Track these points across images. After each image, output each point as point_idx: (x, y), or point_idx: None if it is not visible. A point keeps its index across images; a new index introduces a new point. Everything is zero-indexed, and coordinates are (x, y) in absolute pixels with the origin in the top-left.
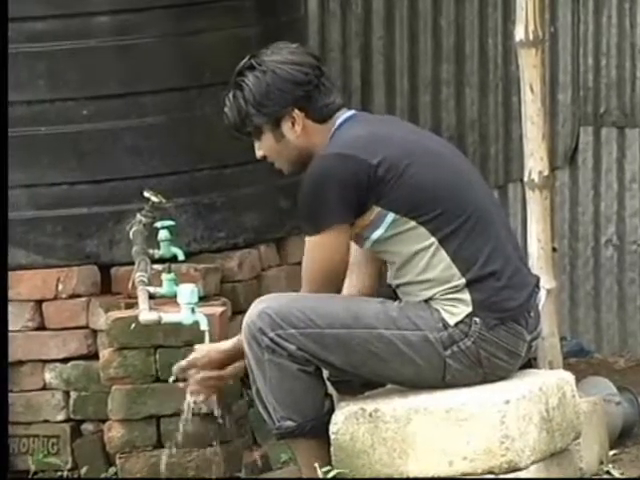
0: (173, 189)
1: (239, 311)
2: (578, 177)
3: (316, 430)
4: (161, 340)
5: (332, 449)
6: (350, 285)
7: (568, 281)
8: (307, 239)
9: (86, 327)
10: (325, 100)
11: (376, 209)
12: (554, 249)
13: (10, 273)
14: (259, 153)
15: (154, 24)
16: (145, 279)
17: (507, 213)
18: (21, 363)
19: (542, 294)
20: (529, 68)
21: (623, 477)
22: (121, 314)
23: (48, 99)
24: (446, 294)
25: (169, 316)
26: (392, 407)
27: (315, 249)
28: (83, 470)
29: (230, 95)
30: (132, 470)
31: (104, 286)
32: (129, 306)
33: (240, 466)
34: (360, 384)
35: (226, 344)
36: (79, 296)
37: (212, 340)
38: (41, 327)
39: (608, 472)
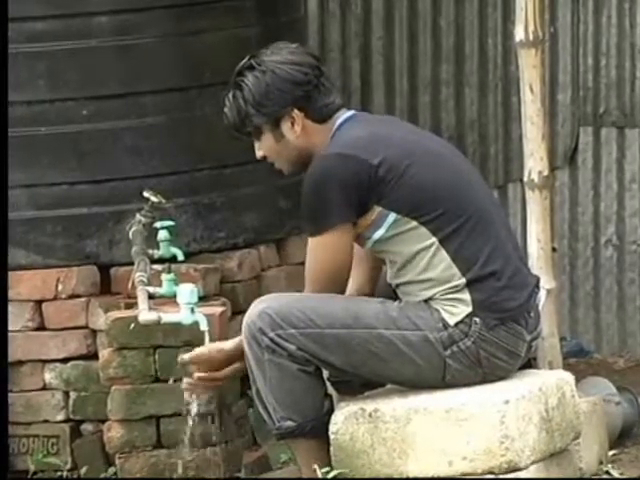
0: (173, 189)
1: (239, 311)
2: (578, 177)
3: (316, 430)
4: (161, 340)
5: (332, 449)
6: (349, 285)
7: (568, 281)
8: (310, 239)
9: (86, 327)
10: (325, 100)
11: (377, 209)
12: (554, 249)
13: (10, 273)
14: (259, 153)
15: (154, 24)
16: (145, 279)
17: (507, 213)
18: (21, 363)
19: (542, 294)
20: (529, 68)
21: (623, 477)
22: (121, 314)
23: (48, 99)
24: (446, 294)
25: (169, 316)
26: (392, 407)
27: (318, 249)
28: (83, 470)
29: (230, 95)
30: (132, 470)
31: (104, 286)
32: (129, 306)
33: (240, 466)
34: (360, 384)
35: (227, 344)
36: (79, 296)
37: (212, 340)
38: (41, 327)
39: (607, 472)
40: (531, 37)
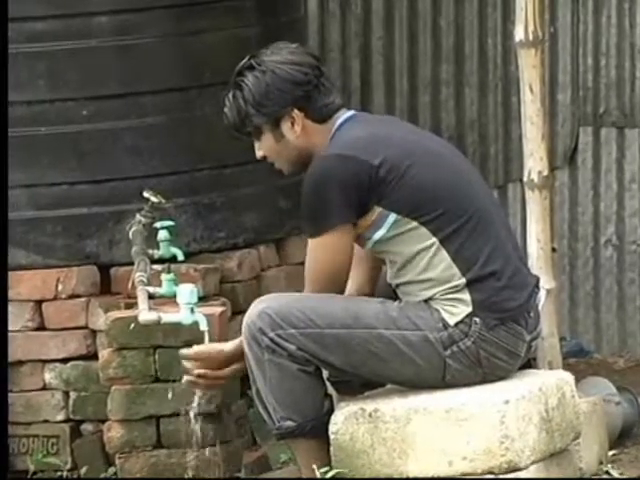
0: (173, 189)
1: (239, 311)
2: (577, 177)
3: (316, 430)
4: (160, 340)
5: (332, 449)
6: (349, 285)
7: (568, 281)
8: (310, 240)
9: (86, 327)
10: (325, 100)
11: (377, 209)
12: (554, 249)
13: (10, 273)
14: (259, 153)
15: (154, 24)
16: (145, 279)
17: (507, 213)
18: (21, 363)
19: (542, 294)
20: (529, 68)
21: (622, 477)
22: (120, 314)
23: (48, 99)
24: (446, 294)
25: (168, 316)
26: (392, 407)
27: (318, 250)
28: (83, 470)
29: (230, 95)
30: (132, 470)
31: (104, 286)
32: (129, 306)
33: (240, 466)
34: (360, 384)
35: (227, 346)
36: (79, 296)
37: (212, 340)
38: (41, 327)
39: (607, 472)
40: (531, 37)
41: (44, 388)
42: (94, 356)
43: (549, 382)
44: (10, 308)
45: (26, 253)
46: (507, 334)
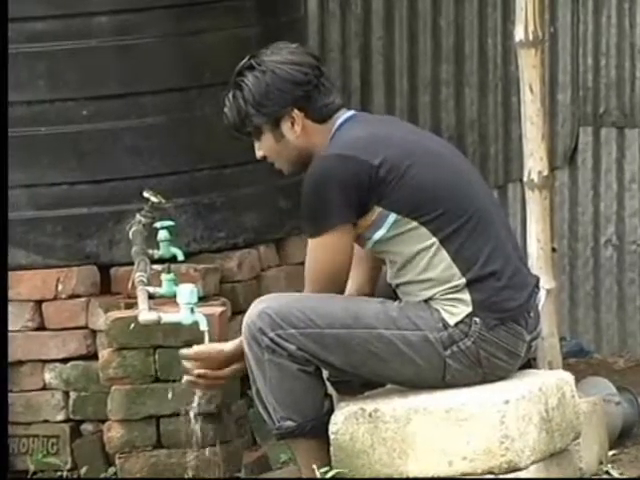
0: (173, 189)
1: (239, 311)
2: (577, 177)
3: (316, 430)
4: (160, 340)
5: (332, 449)
6: (349, 285)
7: (568, 281)
8: (310, 240)
9: (85, 327)
10: (325, 100)
11: (377, 210)
12: (554, 249)
13: (10, 273)
14: (259, 153)
15: (154, 24)
16: (145, 279)
17: (507, 213)
18: (21, 363)
19: (542, 294)
20: (529, 68)
21: (622, 477)
22: (120, 314)
23: (48, 99)
24: (446, 294)
25: (168, 316)
26: (392, 407)
27: (318, 250)
28: (83, 470)
29: (230, 95)
30: (132, 470)
31: (104, 286)
32: (129, 306)
33: (240, 466)
34: (360, 384)
35: (227, 346)
36: (79, 296)
37: (212, 340)
38: (41, 327)
39: (607, 472)
40: (531, 37)
41: (44, 388)
42: (94, 356)
43: (549, 382)
44: (10, 308)
45: (26, 253)
46: (507, 334)
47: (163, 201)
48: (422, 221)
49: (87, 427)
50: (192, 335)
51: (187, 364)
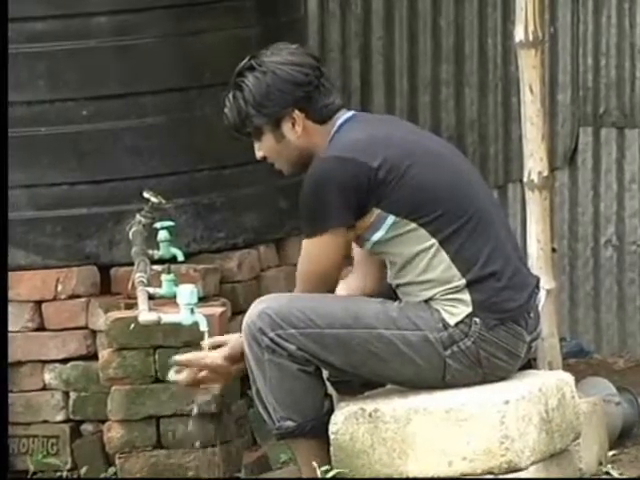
0: (173, 189)
1: (238, 311)
2: (577, 178)
3: (316, 430)
4: (160, 341)
5: (332, 449)
6: (352, 285)
7: (568, 281)
8: (305, 240)
9: (85, 328)
10: (325, 101)
11: (376, 211)
12: (554, 249)
13: (10, 273)
14: (259, 154)
15: (154, 24)
16: (145, 280)
17: (507, 213)
18: (21, 363)
19: (542, 295)
20: (529, 69)
21: (622, 477)
22: (120, 314)
23: (48, 99)
24: (446, 294)
25: (168, 317)
26: (392, 407)
27: (311, 250)
28: (82, 470)
29: (230, 96)
30: (131, 470)
31: (104, 286)
32: (129, 307)
33: (240, 466)
34: (360, 384)
35: (223, 351)
36: (78, 297)
37: None
38: (41, 328)
39: (607, 472)
40: (531, 37)
41: (44, 388)
42: (94, 356)
43: (549, 382)
44: (10, 308)
45: (26, 253)
46: (507, 334)
47: (163, 201)
48: (421, 222)
49: (87, 427)
50: (192, 335)
51: (176, 377)
